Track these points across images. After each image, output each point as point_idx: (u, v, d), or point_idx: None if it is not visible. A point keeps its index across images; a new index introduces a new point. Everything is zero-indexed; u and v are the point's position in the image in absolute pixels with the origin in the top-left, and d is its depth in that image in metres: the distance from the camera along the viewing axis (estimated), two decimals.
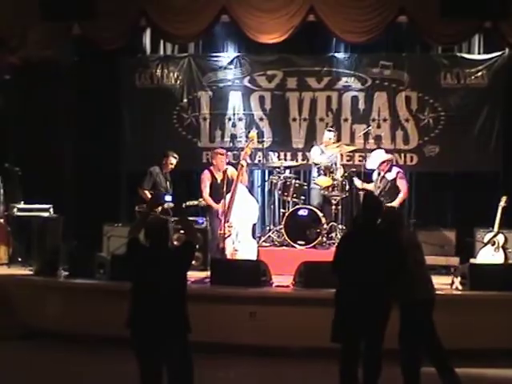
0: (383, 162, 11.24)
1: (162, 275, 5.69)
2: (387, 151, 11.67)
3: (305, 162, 12.65)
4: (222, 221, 10.61)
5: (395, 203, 10.88)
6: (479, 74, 12.63)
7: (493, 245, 10.63)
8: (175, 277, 5.80)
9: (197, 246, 10.61)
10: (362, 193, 11.25)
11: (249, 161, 11.13)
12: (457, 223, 12.09)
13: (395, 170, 11.34)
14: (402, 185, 11.23)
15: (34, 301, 10.04)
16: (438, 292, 9.46)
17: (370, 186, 11.45)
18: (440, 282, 10.15)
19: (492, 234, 10.70)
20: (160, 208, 10.36)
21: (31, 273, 10.59)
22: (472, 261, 10.51)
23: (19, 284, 10.36)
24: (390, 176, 11.18)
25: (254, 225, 11.30)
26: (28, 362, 8.73)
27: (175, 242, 10.47)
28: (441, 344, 7.10)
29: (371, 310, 6.51)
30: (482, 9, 10.08)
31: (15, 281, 10.45)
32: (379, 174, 11.32)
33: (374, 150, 11.94)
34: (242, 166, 10.87)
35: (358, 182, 11.50)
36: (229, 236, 10.68)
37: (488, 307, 8.90)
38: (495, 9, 10.12)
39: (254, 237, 11.23)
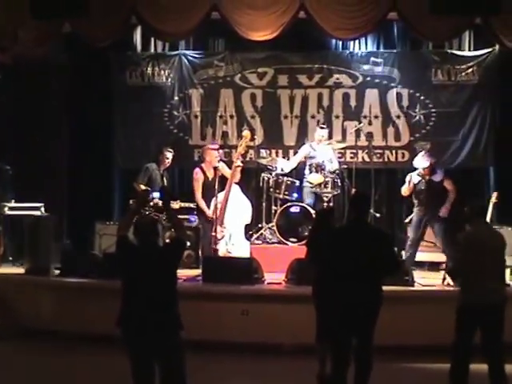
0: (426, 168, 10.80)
1: (151, 273, 5.69)
2: (428, 155, 11.02)
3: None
4: (215, 222, 10.59)
5: (448, 204, 10.76)
6: (470, 70, 12.67)
7: None
8: (165, 274, 5.80)
9: (188, 244, 10.71)
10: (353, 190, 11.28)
11: (240, 162, 11.09)
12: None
13: (440, 171, 10.92)
14: (450, 185, 10.90)
15: (26, 300, 10.03)
16: (428, 288, 9.60)
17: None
18: (432, 278, 10.29)
19: None
20: (152, 204, 10.39)
21: (23, 272, 10.59)
22: None
23: (11, 283, 10.35)
24: (436, 178, 10.78)
25: (247, 225, 11.29)
26: (21, 361, 8.72)
27: (167, 240, 10.47)
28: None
29: (363, 307, 6.54)
30: (472, 5, 10.07)
31: (6, 280, 10.44)
32: (423, 177, 10.80)
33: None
34: (238, 166, 10.87)
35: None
36: (222, 238, 10.67)
37: None
38: (485, 5, 10.10)
39: (246, 236, 11.21)
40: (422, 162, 10.76)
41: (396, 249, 9.54)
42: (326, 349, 7.13)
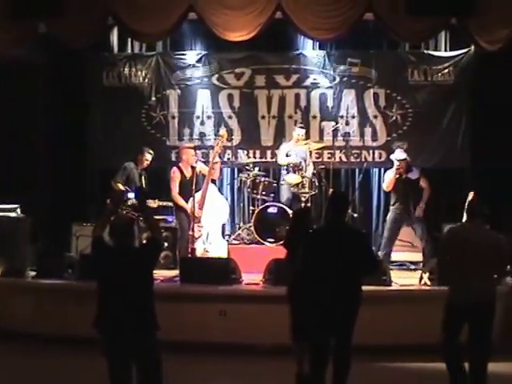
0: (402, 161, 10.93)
1: (127, 274, 5.67)
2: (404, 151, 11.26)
3: (274, 159, 12.67)
4: (192, 221, 10.59)
5: (423, 203, 10.80)
6: (446, 70, 12.74)
7: None
8: (141, 275, 5.79)
9: (165, 244, 10.68)
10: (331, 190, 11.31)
11: (218, 159, 11.13)
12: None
13: (416, 169, 11.12)
14: (425, 183, 11.08)
15: (2, 302, 9.96)
16: (405, 288, 9.62)
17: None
18: (409, 278, 10.31)
19: None
20: (130, 204, 10.34)
21: None
22: None
23: None
24: (413, 176, 10.92)
25: (224, 224, 11.30)
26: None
27: (144, 241, 10.43)
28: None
29: (342, 308, 6.55)
30: (448, 6, 10.13)
31: None
32: (399, 175, 10.92)
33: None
34: (216, 163, 10.88)
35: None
36: (199, 237, 10.67)
37: None
38: (461, 6, 10.17)
39: (223, 236, 11.21)
40: (398, 154, 10.84)
41: (374, 248, 9.56)
42: (304, 349, 7.13)
